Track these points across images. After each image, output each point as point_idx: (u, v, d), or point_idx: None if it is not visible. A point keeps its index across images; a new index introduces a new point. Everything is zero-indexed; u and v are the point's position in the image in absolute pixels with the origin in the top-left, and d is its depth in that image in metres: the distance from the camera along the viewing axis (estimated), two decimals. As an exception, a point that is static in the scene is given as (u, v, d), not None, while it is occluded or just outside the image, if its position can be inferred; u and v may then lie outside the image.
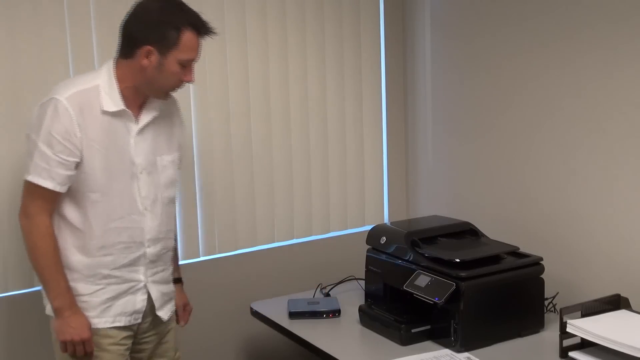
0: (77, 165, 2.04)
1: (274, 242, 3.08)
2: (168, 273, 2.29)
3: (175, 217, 2.34)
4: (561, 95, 2.59)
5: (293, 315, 2.57)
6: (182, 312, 2.42)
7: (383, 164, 3.35)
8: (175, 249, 2.40)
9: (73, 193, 2.06)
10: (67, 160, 2.01)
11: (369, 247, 2.62)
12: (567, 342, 2.14)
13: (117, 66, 2.09)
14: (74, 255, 2.09)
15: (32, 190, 2.03)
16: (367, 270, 2.62)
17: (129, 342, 2.21)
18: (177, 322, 2.41)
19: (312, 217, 3.16)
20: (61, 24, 2.49)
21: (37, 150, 2.01)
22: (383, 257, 2.54)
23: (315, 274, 2.95)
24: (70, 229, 2.09)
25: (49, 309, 2.13)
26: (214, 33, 2.13)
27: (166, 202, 2.22)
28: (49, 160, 2.00)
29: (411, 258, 2.42)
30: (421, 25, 3.19)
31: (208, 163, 2.86)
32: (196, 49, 2.10)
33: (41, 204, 2.04)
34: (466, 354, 2.21)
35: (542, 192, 2.70)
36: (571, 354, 2.12)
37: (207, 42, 2.76)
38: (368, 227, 2.75)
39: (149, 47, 2.02)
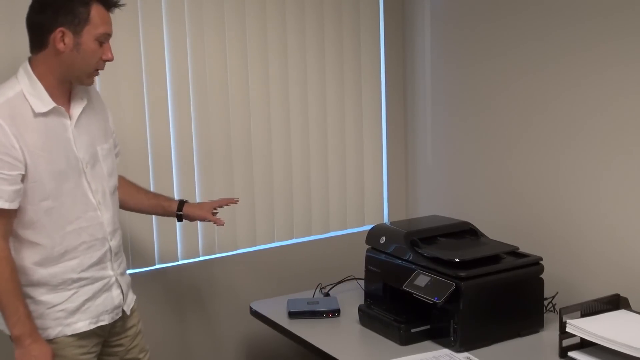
0: (23, 178, 1.94)
1: (273, 242, 3.08)
2: (125, 263, 2.27)
3: (118, 205, 2.27)
4: (560, 95, 2.59)
5: (292, 315, 2.56)
6: (213, 217, 2.46)
7: (383, 164, 3.35)
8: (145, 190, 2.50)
9: (23, 209, 1.97)
10: (10, 175, 1.91)
11: (368, 247, 2.62)
12: (566, 342, 2.14)
13: (34, 64, 2.00)
14: (36, 272, 2.01)
15: None
16: (367, 270, 2.61)
17: (98, 349, 2.18)
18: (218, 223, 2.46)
19: (311, 217, 3.16)
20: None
21: None
22: (383, 257, 2.54)
23: (314, 273, 2.94)
24: (27, 247, 2.00)
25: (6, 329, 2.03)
26: (122, 4, 2.07)
27: (112, 191, 2.18)
28: None
29: (411, 258, 2.42)
30: (421, 25, 3.19)
31: (207, 163, 2.86)
32: (109, 22, 2.02)
33: None
34: (466, 354, 2.21)
35: (541, 192, 2.70)
36: (571, 353, 2.12)
37: (207, 42, 2.81)
38: (368, 227, 2.74)
39: (61, 29, 1.94)
